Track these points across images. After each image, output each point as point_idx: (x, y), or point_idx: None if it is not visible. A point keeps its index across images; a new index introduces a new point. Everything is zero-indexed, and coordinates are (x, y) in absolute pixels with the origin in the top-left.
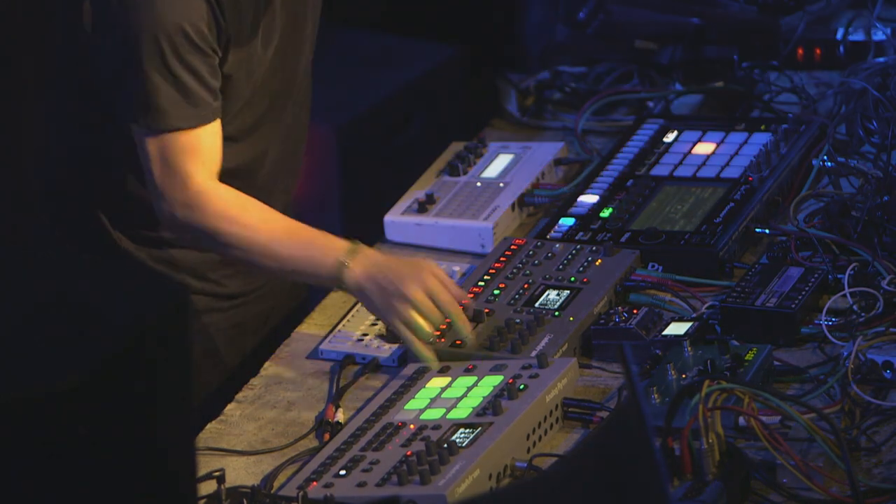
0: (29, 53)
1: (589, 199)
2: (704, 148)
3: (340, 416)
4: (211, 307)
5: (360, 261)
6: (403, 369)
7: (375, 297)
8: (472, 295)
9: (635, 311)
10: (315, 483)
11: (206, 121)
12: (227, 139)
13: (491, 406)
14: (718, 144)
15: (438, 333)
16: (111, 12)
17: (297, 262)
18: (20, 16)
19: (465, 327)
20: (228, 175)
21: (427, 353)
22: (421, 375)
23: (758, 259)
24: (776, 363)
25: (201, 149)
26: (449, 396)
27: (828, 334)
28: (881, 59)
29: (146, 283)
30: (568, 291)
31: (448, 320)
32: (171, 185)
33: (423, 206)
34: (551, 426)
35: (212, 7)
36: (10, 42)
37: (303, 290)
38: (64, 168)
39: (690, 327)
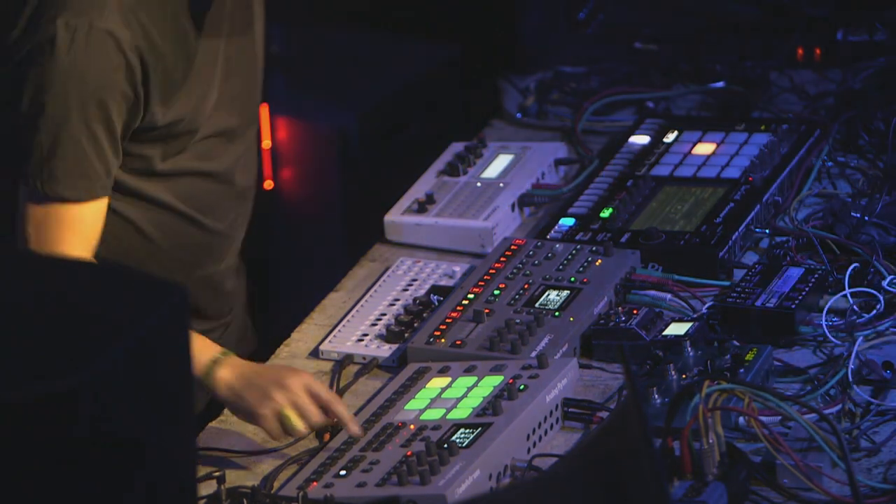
0: None
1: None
2: (704, 148)
3: None
4: None
5: (233, 362)
6: (403, 369)
7: (246, 392)
8: (471, 295)
9: (635, 311)
10: (315, 483)
11: (95, 196)
12: (203, 155)
13: (491, 406)
14: (718, 144)
15: (308, 430)
16: (33, 69)
17: None
18: None
19: (348, 417)
20: (210, 177)
21: (281, 440)
22: (421, 375)
23: (758, 259)
24: (776, 363)
25: (83, 224)
26: (449, 396)
27: (828, 334)
28: (881, 59)
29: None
30: (568, 291)
31: (333, 420)
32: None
33: (423, 206)
34: (551, 426)
35: (132, 82)
36: None
37: (252, 344)
38: None
39: (690, 327)
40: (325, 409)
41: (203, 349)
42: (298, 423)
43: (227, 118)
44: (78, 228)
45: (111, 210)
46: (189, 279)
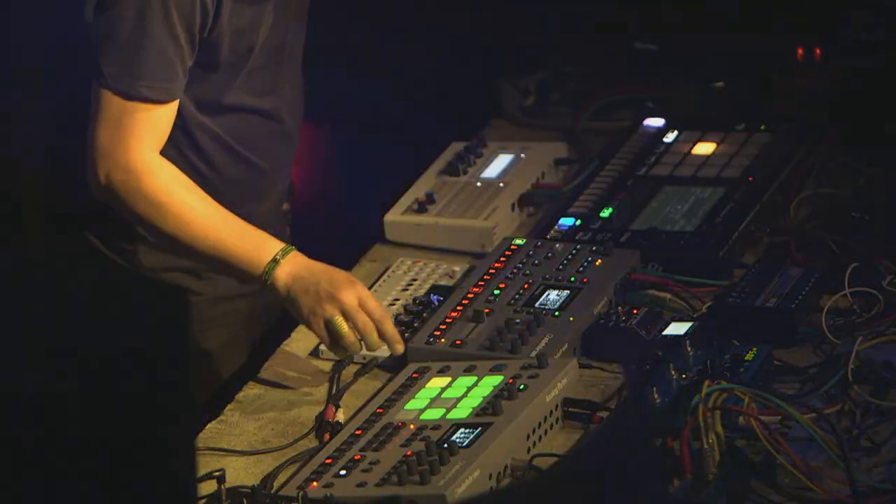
0: None
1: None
2: (704, 148)
3: (340, 416)
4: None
5: (292, 261)
6: (403, 369)
7: (300, 296)
8: (471, 295)
9: (635, 311)
10: (315, 483)
11: (174, 97)
12: (260, 92)
13: (491, 406)
14: (718, 144)
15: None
16: None
17: (229, 250)
18: None
19: (395, 337)
20: (261, 114)
21: (341, 354)
22: (421, 375)
23: (758, 259)
24: (776, 363)
25: (159, 123)
26: (449, 396)
27: (828, 334)
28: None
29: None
30: (568, 291)
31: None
32: (117, 147)
33: (423, 206)
34: (551, 426)
35: None
36: None
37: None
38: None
39: (690, 327)
40: (375, 323)
41: (263, 246)
42: (345, 329)
43: (275, 45)
44: (153, 126)
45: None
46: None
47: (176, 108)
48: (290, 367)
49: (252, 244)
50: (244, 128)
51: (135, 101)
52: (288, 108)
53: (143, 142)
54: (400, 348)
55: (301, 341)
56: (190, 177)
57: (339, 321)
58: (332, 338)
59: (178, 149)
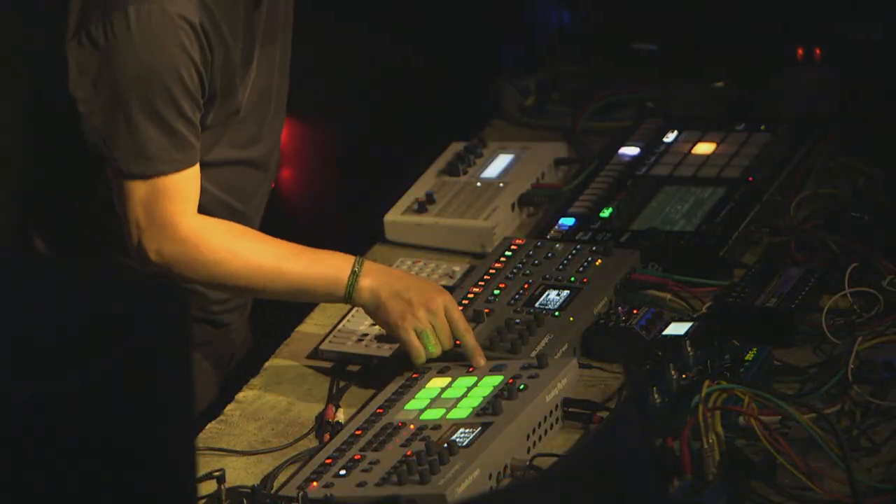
0: None
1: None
2: (704, 148)
3: (340, 416)
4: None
5: (371, 270)
6: (403, 369)
7: (391, 303)
8: (471, 295)
9: (635, 311)
10: (315, 483)
11: (192, 163)
12: (247, 143)
13: (491, 406)
14: (718, 144)
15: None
16: (95, 62)
17: (307, 279)
18: None
19: (475, 350)
20: (250, 165)
21: (422, 362)
22: (421, 375)
23: (758, 259)
24: (776, 363)
25: (187, 191)
26: (449, 396)
27: (828, 334)
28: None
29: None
30: (568, 291)
31: (458, 342)
32: (158, 224)
33: (423, 206)
34: (551, 426)
35: (201, 52)
36: None
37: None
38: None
39: (690, 327)
40: (456, 336)
41: (337, 266)
42: (436, 347)
43: (260, 96)
44: (185, 192)
45: None
46: None
47: (198, 168)
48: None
49: (325, 265)
50: (231, 179)
51: (155, 178)
52: (272, 154)
53: (180, 210)
54: (480, 361)
55: (301, 341)
56: None
57: (432, 333)
58: (421, 346)
59: None
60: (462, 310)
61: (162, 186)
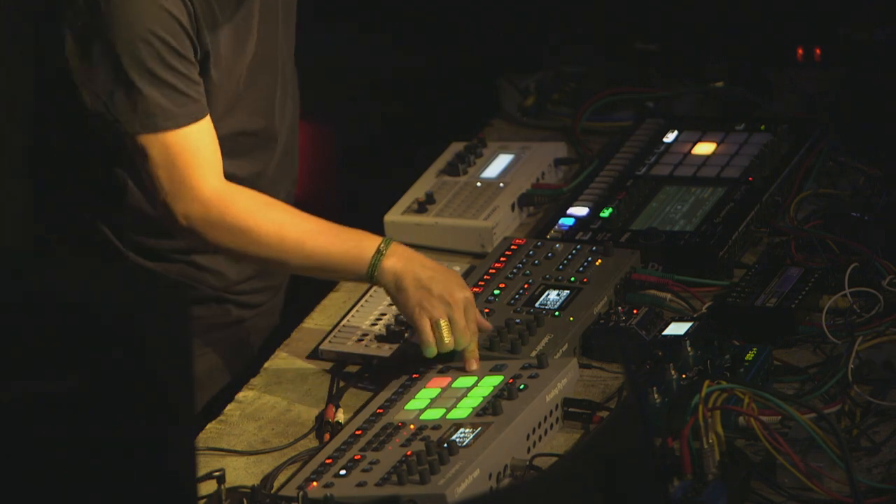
0: None
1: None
2: (704, 148)
3: (340, 416)
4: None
5: (397, 251)
6: (403, 369)
7: (412, 289)
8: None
9: (635, 311)
10: (315, 483)
11: (196, 118)
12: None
13: (491, 406)
14: (718, 144)
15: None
16: (84, 28)
17: (331, 255)
18: None
19: (474, 356)
20: (253, 135)
21: (432, 355)
22: (421, 375)
23: (758, 259)
24: (776, 363)
25: (200, 149)
26: (449, 396)
27: (828, 334)
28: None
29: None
30: (568, 291)
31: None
32: (183, 185)
33: (423, 206)
34: (551, 426)
35: (187, 13)
36: None
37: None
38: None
39: (690, 327)
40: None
41: (362, 243)
42: (448, 341)
43: (265, 62)
44: (198, 154)
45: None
46: None
47: (211, 127)
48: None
49: (351, 242)
50: (235, 149)
51: (161, 135)
52: (281, 130)
53: (199, 171)
54: (474, 366)
55: (301, 341)
56: None
57: (446, 326)
58: (433, 337)
59: None
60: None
61: (172, 143)
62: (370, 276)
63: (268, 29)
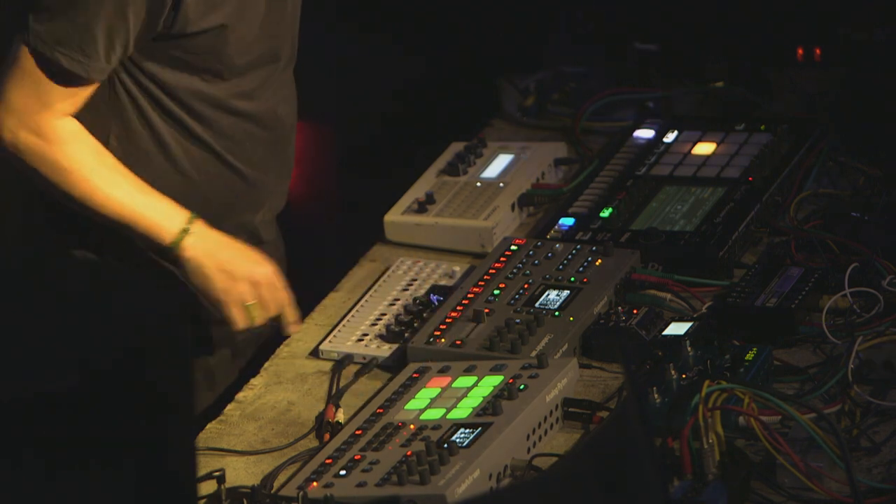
0: None
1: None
2: (704, 148)
3: (340, 416)
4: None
5: (202, 232)
6: (403, 369)
7: (214, 273)
8: (471, 295)
9: (635, 311)
10: (315, 483)
11: (91, 76)
12: (244, 95)
13: (491, 406)
14: (718, 144)
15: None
16: None
17: (136, 217)
18: None
19: (290, 320)
20: (249, 119)
21: (241, 332)
22: (421, 375)
23: (758, 259)
24: (776, 363)
25: (76, 95)
26: (449, 396)
27: (828, 334)
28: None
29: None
30: (568, 291)
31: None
32: (29, 108)
33: (423, 206)
34: (551, 426)
35: None
36: None
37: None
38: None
39: (690, 327)
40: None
41: (170, 213)
42: (260, 318)
43: (267, 47)
44: (70, 96)
45: (150, 138)
46: (224, 223)
47: (94, 87)
48: None
49: (161, 212)
50: (228, 131)
51: (51, 65)
52: (276, 114)
53: (56, 108)
54: (291, 330)
55: (301, 342)
56: (174, 179)
57: (256, 306)
58: (243, 318)
59: (158, 142)
60: (462, 310)
61: (52, 74)
62: (171, 250)
63: (274, 13)
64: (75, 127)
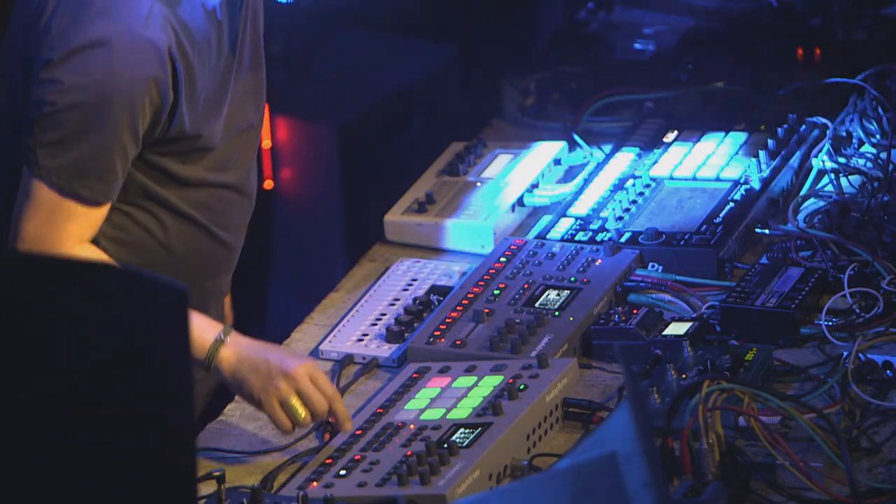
0: None
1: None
2: (704, 148)
3: None
4: None
5: (235, 340)
6: (403, 369)
7: (250, 375)
8: (471, 295)
9: (635, 311)
10: (315, 483)
11: (110, 199)
12: (222, 168)
13: (491, 406)
14: (718, 144)
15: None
16: (64, 71)
17: None
18: None
19: (345, 415)
20: (229, 188)
21: (289, 432)
22: (421, 375)
23: (758, 259)
24: (776, 363)
25: (91, 220)
26: (449, 396)
27: (828, 334)
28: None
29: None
30: (568, 291)
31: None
32: (44, 239)
33: (423, 206)
34: (551, 426)
35: (164, 89)
36: None
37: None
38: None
39: (690, 327)
40: (327, 401)
41: (205, 328)
42: (303, 413)
43: (244, 122)
44: (86, 223)
45: (131, 216)
46: (199, 290)
47: (109, 206)
48: None
49: (195, 328)
50: (211, 203)
51: (70, 199)
52: (249, 178)
53: (72, 237)
54: (349, 426)
55: (301, 341)
56: (160, 256)
57: (297, 403)
58: (287, 417)
59: (147, 228)
60: (462, 310)
61: (68, 206)
62: (207, 363)
63: (242, 88)
64: (94, 255)
